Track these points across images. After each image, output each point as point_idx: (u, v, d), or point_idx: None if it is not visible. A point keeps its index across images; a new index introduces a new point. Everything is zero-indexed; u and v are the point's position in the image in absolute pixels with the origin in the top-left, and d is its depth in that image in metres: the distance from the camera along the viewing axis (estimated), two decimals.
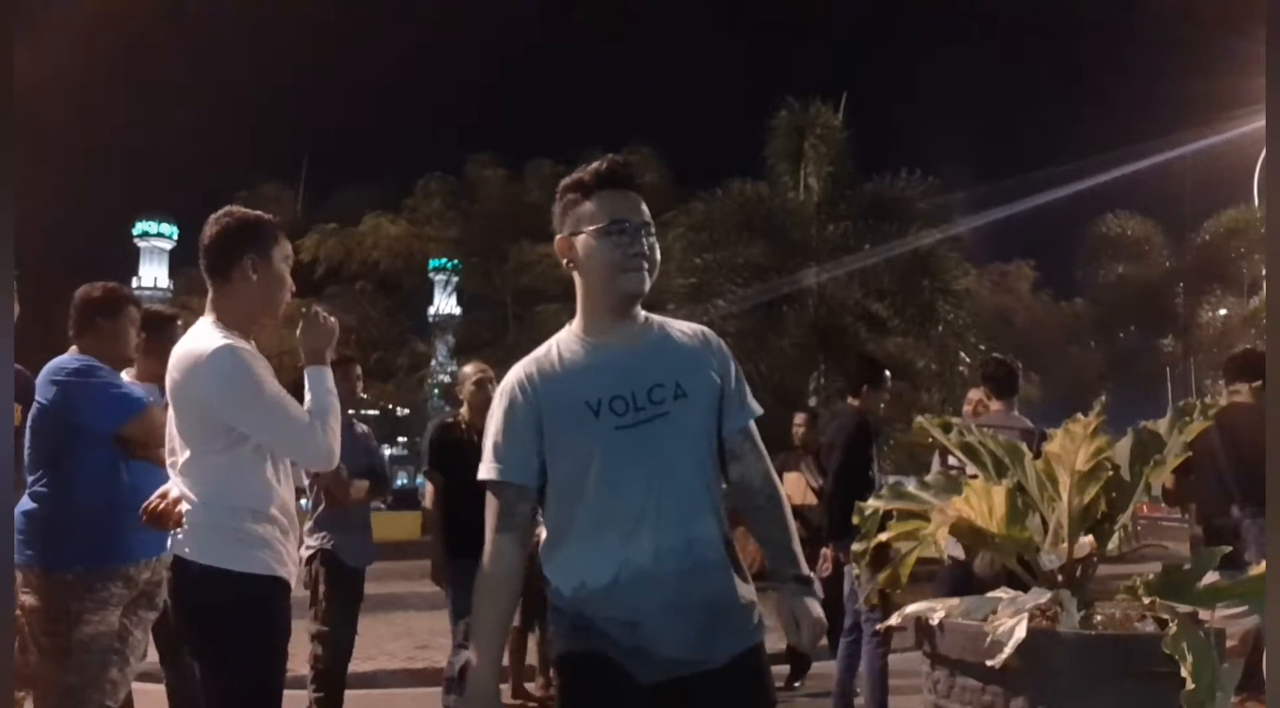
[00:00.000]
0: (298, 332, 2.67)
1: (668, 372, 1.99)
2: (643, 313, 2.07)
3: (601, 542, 1.93)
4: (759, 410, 2.13)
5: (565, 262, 2.06)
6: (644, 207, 2.03)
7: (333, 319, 2.73)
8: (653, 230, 2.02)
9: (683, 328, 2.12)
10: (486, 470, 1.98)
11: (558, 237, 2.06)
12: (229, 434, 2.45)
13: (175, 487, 2.54)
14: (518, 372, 2.02)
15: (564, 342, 2.05)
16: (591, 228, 1.98)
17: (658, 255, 2.02)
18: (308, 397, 2.60)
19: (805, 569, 2.08)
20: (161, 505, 2.53)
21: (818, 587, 2.08)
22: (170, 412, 2.56)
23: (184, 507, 2.49)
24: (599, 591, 1.93)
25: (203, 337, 2.51)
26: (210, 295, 2.60)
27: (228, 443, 2.46)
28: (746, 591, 2.03)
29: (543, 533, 2.05)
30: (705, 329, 2.14)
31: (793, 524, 2.12)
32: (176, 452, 2.53)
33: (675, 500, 1.95)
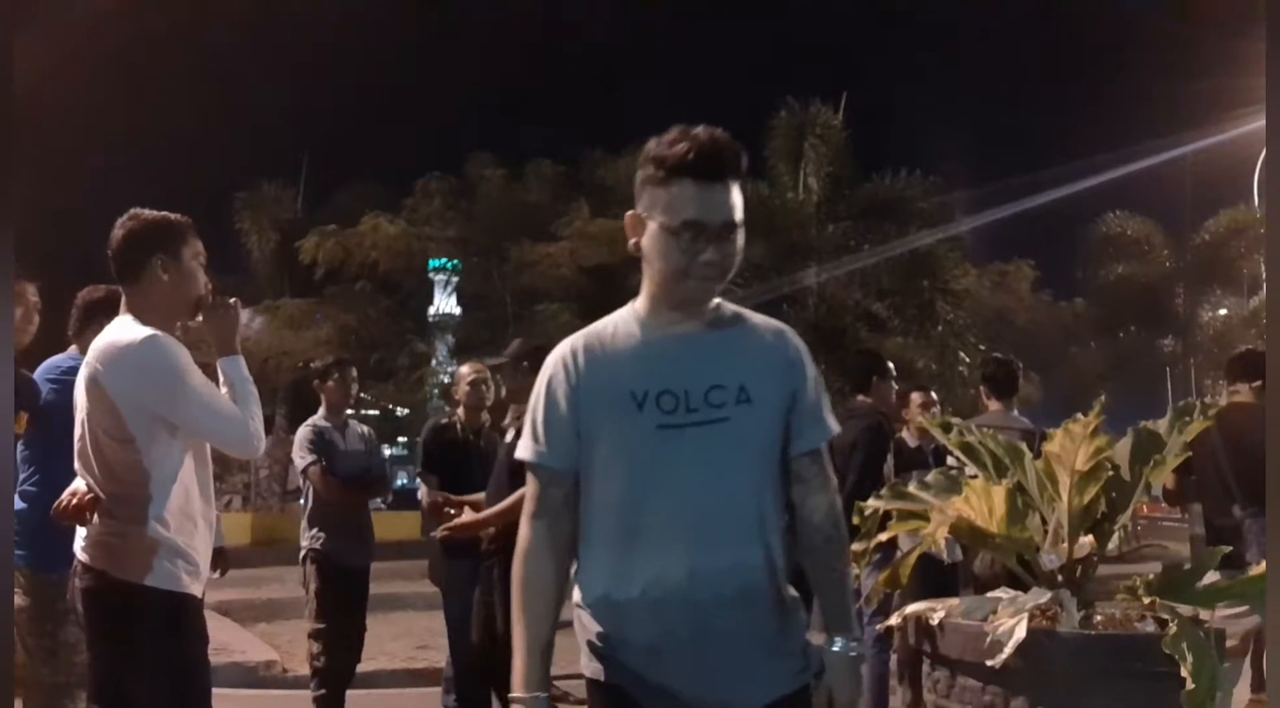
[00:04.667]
0: (203, 321, 2.64)
1: (732, 371, 1.75)
2: (715, 299, 1.82)
3: (632, 551, 1.72)
4: (835, 429, 1.86)
5: (631, 240, 1.81)
6: (732, 200, 1.74)
7: (236, 305, 2.70)
8: (737, 228, 1.74)
9: (760, 322, 1.86)
10: (523, 449, 1.80)
11: (629, 212, 1.80)
12: (152, 427, 2.44)
13: (84, 484, 2.51)
14: (564, 346, 1.82)
15: (622, 321, 1.83)
16: (662, 221, 1.72)
17: (735, 259, 1.75)
18: (224, 387, 2.59)
19: (856, 630, 1.88)
20: (75, 501, 2.48)
21: (866, 648, 1.88)
22: (82, 407, 2.52)
23: (97, 516, 2.45)
24: (625, 605, 1.72)
25: (126, 329, 2.49)
26: (124, 299, 2.60)
27: (150, 437, 2.44)
28: (798, 629, 1.82)
29: None
30: (785, 328, 1.88)
31: (850, 575, 1.91)
32: (90, 451, 2.50)
33: (721, 519, 1.72)
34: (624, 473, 1.73)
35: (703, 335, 1.79)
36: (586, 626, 1.78)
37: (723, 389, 1.74)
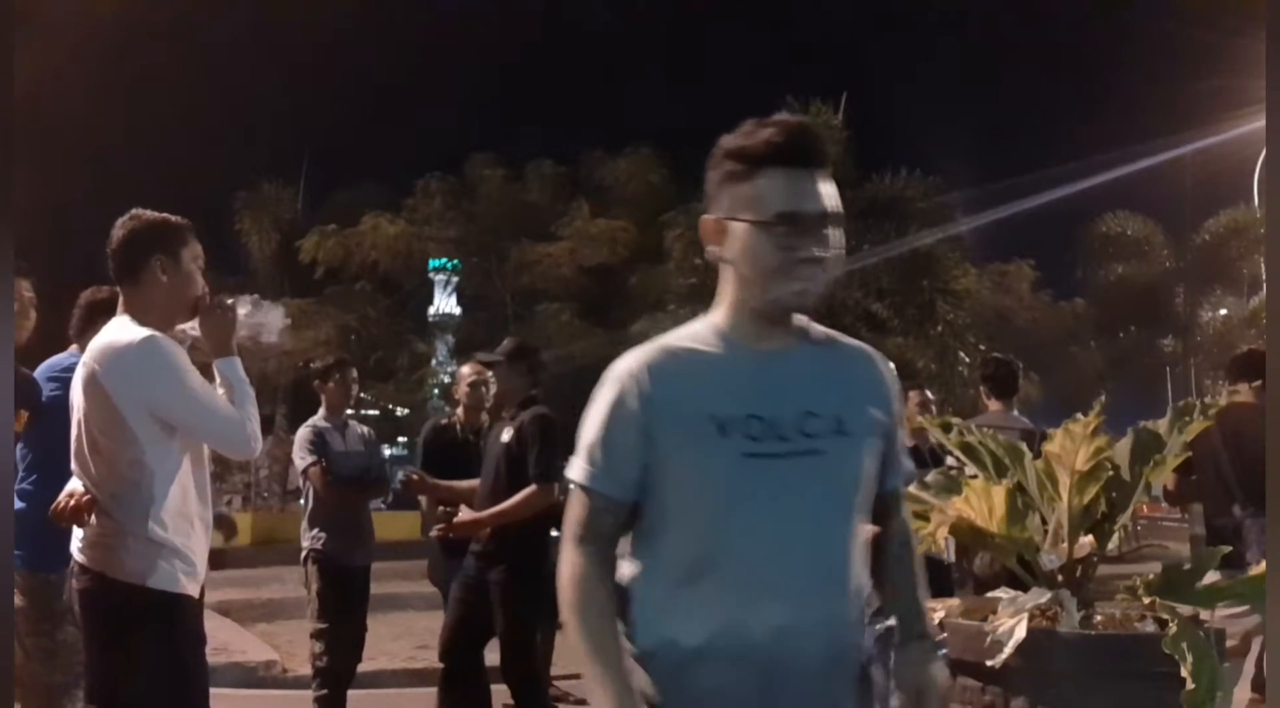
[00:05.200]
0: (197, 323, 2.64)
1: (826, 398, 1.56)
2: (802, 316, 1.62)
3: (706, 594, 1.50)
4: (913, 468, 1.74)
5: (709, 247, 1.61)
6: (829, 188, 1.55)
7: (232, 306, 2.69)
8: (837, 219, 1.55)
9: (851, 344, 1.68)
10: (576, 470, 1.59)
11: (705, 217, 1.60)
12: (150, 427, 2.43)
13: (80, 485, 2.51)
14: (633, 360, 1.58)
15: (700, 335, 1.61)
16: (751, 217, 1.53)
17: (840, 253, 1.55)
18: (220, 388, 2.58)
19: (932, 628, 1.73)
20: (72, 503, 2.47)
21: (943, 648, 1.74)
22: (79, 407, 2.52)
23: (94, 517, 2.45)
24: (690, 654, 1.49)
25: (124, 329, 2.49)
26: (121, 299, 2.60)
27: (148, 438, 2.44)
28: (885, 683, 1.65)
29: (625, 568, 1.61)
30: (875, 353, 1.70)
31: (923, 574, 1.78)
32: (86, 452, 2.49)
33: (819, 566, 1.52)
34: (700, 506, 1.52)
35: (794, 356, 1.59)
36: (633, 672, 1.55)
37: (817, 418, 1.54)
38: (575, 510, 1.59)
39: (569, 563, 1.57)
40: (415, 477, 4.82)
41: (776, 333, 1.59)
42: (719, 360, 1.57)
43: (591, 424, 1.59)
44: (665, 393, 1.54)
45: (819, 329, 1.65)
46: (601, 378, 1.61)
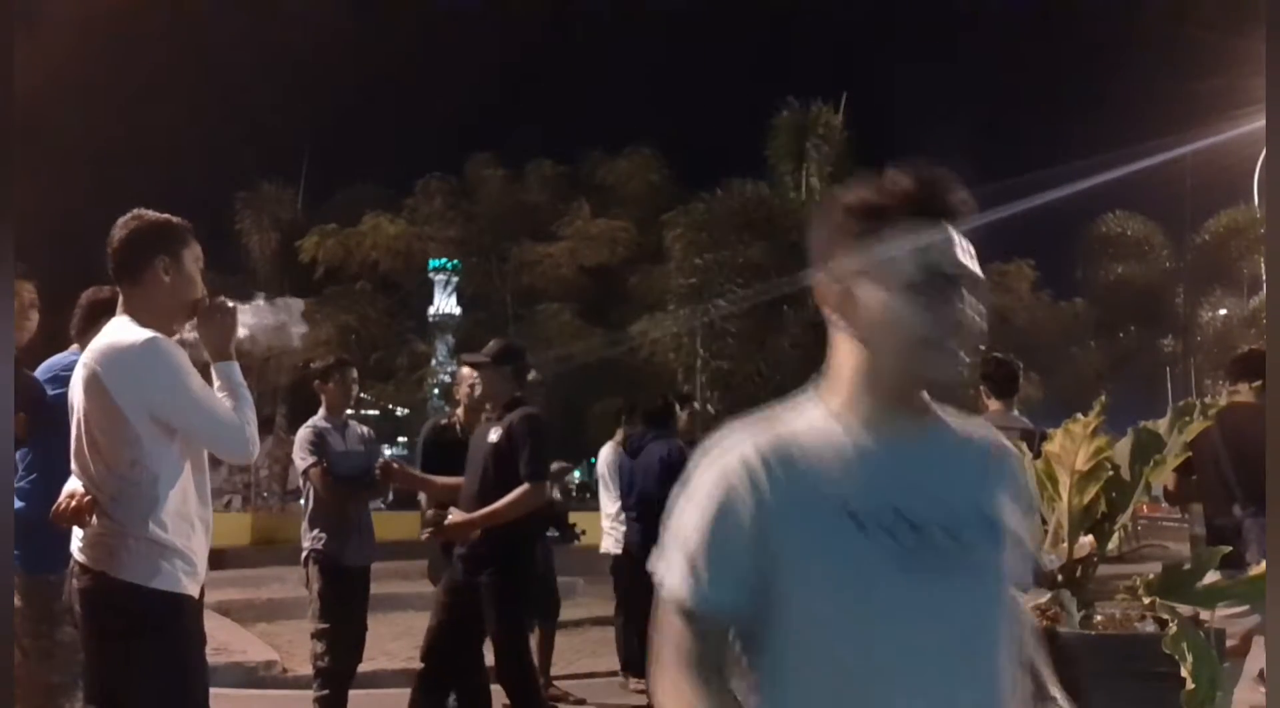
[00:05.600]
0: (197, 325, 2.63)
1: (969, 494, 1.35)
2: (923, 395, 1.40)
3: None
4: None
5: (828, 314, 1.38)
6: (968, 246, 1.36)
7: (233, 308, 2.67)
8: (980, 284, 1.37)
9: (985, 431, 1.47)
10: (677, 585, 1.31)
11: (822, 277, 1.38)
12: (151, 428, 2.44)
13: (80, 485, 2.51)
14: (743, 447, 1.31)
15: (815, 417, 1.36)
16: (889, 277, 1.32)
17: (983, 323, 1.37)
18: (219, 391, 2.59)
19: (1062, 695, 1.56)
20: (73, 504, 2.47)
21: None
22: (79, 407, 2.52)
23: (95, 518, 2.45)
24: None
25: (125, 330, 2.50)
26: (121, 299, 2.60)
27: (149, 439, 2.44)
28: None
29: (741, 681, 1.35)
30: (1002, 437, 1.48)
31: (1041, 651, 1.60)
32: (86, 452, 2.49)
33: (982, 695, 1.29)
34: (836, 621, 1.27)
35: (930, 443, 1.37)
36: None
37: (961, 516, 1.32)
38: (676, 632, 1.32)
39: (677, 699, 1.29)
40: (396, 466, 4.83)
41: (907, 415, 1.36)
42: (844, 447, 1.32)
43: (691, 522, 1.31)
44: (787, 484, 1.28)
45: (948, 410, 1.44)
46: (693, 463, 1.36)
